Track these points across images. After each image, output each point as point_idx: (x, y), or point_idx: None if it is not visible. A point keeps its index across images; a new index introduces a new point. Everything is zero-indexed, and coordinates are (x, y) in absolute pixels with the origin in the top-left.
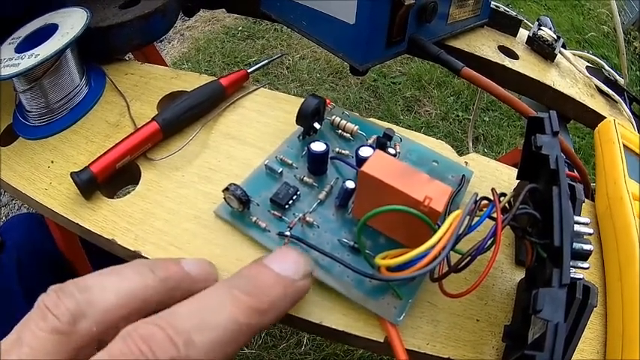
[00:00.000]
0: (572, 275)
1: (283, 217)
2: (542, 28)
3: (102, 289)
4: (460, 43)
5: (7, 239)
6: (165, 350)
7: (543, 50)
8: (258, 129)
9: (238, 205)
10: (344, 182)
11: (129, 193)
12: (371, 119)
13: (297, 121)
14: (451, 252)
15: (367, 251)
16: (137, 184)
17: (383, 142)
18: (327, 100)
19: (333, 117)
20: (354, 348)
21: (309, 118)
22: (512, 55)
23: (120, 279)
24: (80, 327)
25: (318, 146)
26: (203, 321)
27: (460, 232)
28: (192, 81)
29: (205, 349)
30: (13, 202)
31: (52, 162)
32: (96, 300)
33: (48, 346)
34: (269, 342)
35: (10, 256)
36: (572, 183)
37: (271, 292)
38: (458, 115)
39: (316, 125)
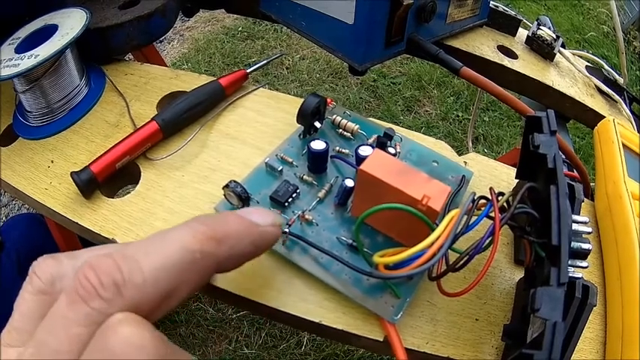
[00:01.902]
0: (571, 274)
1: (283, 215)
2: (541, 27)
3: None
4: (459, 43)
5: (6, 239)
6: (110, 274)
7: (543, 50)
8: (257, 129)
9: (238, 202)
10: (343, 181)
11: (129, 192)
12: (371, 119)
13: (297, 119)
14: (450, 251)
15: (365, 249)
16: (137, 183)
17: (383, 142)
18: (329, 100)
19: (334, 116)
20: (354, 348)
21: (309, 117)
22: (512, 55)
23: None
24: (59, 286)
25: (318, 145)
26: (153, 246)
27: (458, 230)
28: (191, 81)
29: (152, 274)
30: (13, 202)
31: (52, 162)
32: (80, 264)
33: (33, 308)
34: (269, 342)
35: (9, 255)
36: (571, 182)
37: (229, 224)
38: (458, 116)
39: (317, 124)
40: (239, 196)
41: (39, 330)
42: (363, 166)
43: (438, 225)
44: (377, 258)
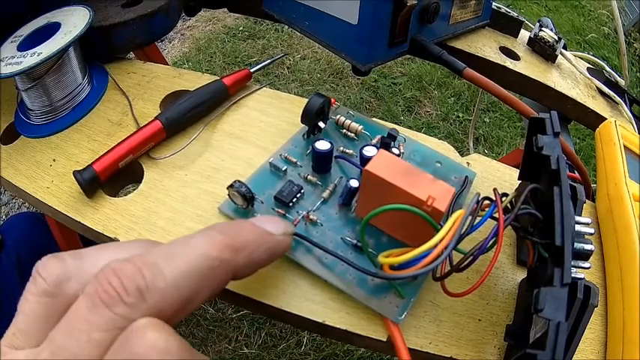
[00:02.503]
0: (573, 275)
1: (287, 215)
2: (543, 29)
3: (96, 257)
4: (461, 44)
5: (7, 238)
6: (133, 279)
7: (544, 51)
8: (261, 128)
9: (242, 202)
10: (348, 181)
11: (131, 192)
12: (375, 119)
13: (302, 119)
14: (453, 251)
15: (370, 250)
16: (140, 182)
17: (387, 142)
18: (332, 100)
19: (338, 116)
20: (354, 348)
21: (314, 117)
22: (514, 56)
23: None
24: (66, 288)
25: (322, 145)
26: (174, 253)
27: (462, 231)
28: (194, 80)
29: (174, 280)
30: (14, 200)
31: (54, 160)
32: (86, 265)
33: (38, 310)
34: (269, 342)
35: (10, 255)
36: (573, 184)
37: (246, 234)
38: (458, 116)
39: (321, 124)
40: (243, 196)
41: (56, 333)
42: (369, 167)
43: (442, 226)
44: (382, 258)
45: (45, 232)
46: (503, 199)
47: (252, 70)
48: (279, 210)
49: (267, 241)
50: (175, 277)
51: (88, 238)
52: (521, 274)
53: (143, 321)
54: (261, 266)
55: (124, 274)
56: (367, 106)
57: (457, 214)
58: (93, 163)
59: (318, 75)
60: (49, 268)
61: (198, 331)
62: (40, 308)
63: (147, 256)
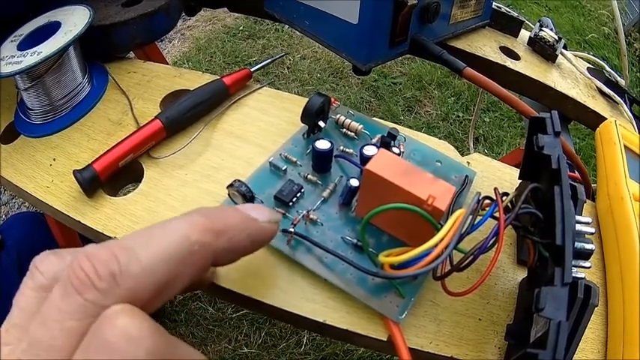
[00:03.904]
0: (573, 275)
1: (287, 214)
2: (543, 29)
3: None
4: (462, 44)
5: (7, 238)
6: (106, 264)
7: (544, 51)
8: (261, 128)
9: (243, 202)
10: (348, 180)
11: (131, 191)
12: (375, 119)
13: (302, 119)
14: (454, 251)
15: (370, 249)
16: (140, 182)
17: (387, 142)
18: (332, 99)
19: (338, 116)
20: (354, 348)
21: (314, 117)
22: (514, 56)
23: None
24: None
25: (322, 144)
26: (151, 237)
27: (463, 230)
28: (194, 79)
29: (150, 264)
30: (13, 200)
31: (54, 160)
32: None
33: (33, 304)
34: (268, 341)
35: (10, 254)
36: (573, 183)
37: (228, 218)
38: (458, 116)
39: (321, 123)
40: (244, 195)
41: (32, 325)
42: (369, 166)
43: (442, 225)
44: (382, 258)
45: (45, 232)
46: (504, 198)
47: (252, 70)
48: (279, 209)
49: (250, 226)
50: (151, 261)
51: (88, 238)
52: (522, 274)
53: (116, 307)
54: (243, 254)
55: (97, 259)
56: (367, 106)
57: (458, 214)
58: (93, 162)
59: (318, 75)
60: (46, 263)
61: (198, 330)
62: (35, 302)
63: (123, 241)
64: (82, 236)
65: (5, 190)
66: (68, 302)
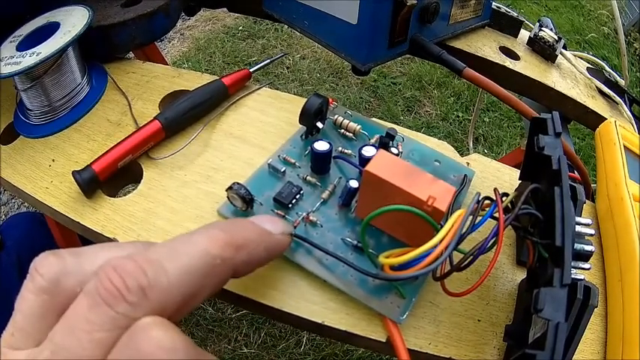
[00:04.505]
0: (573, 276)
1: (287, 217)
2: (543, 29)
3: (95, 255)
4: (461, 44)
5: (6, 238)
6: (135, 277)
7: (544, 51)
8: (260, 128)
9: (242, 204)
10: (348, 181)
11: (130, 192)
12: (373, 119)
13: (300, 120)
14: (454, 251)
15: (370, 250)
16: (139, 183)
17: (385, 142)
18: (330, 99)
19: (336, 116)
20: (353, 348)
21: (312, 118)
22: (514, 56)
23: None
24: (64, 285)
25: (321, 145)
26: (176, 250)
27: (463, 231)
28: (194, 80)
29: (176, 277)
30: (13, 200)
31: (53, 160)
32: (85, 263)
33: (36, 308)
34: (268, 342)
35: (9, 254)
36: (573, 184)
37: (246, 232)
38: (458, 116)
39: (319, 124)
40: (243, 198)
41: (56, 332)
42: (369, 167)
43: (442, 225)
44: (383, 259)
45: (45, 232)
46: (504, 198)
47: (251, 70)
48: (279, 211)
49: (267, 240)
50: (178, 275)
51: (87, 239)
52: (521, 275)
53: (148, 319)
54: (260, 265)
55: (125, 272)
56: (367, 106)
57: (457, 214)
58: (92, 163)
59: (318, 75)
60: (46, 265)
61: (198, 330)
62: (38, 306)
63: (148, 254)
64: (82, 237)
65: (5, 191)
66: (97, 313)
